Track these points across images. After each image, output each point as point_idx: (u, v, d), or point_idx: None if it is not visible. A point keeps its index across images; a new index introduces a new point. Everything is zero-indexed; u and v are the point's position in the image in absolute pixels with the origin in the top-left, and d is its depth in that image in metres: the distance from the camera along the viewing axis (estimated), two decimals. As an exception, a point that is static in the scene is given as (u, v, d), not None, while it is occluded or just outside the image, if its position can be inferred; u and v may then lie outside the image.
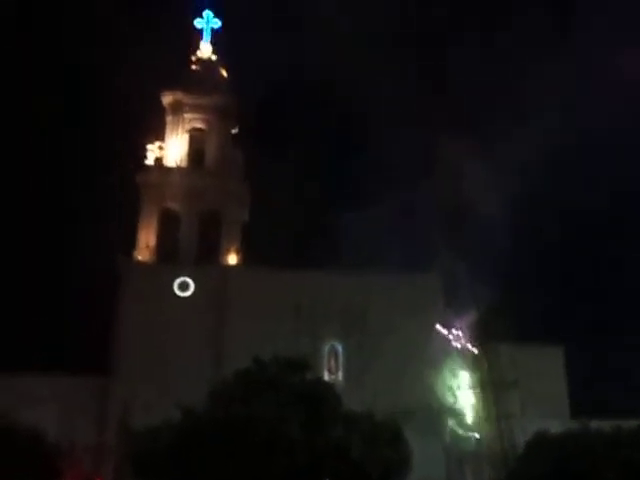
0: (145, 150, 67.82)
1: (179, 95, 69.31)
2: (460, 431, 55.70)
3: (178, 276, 60.92)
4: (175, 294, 60.41)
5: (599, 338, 73.49)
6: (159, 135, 69.16)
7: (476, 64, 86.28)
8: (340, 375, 58.38)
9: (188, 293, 60.69)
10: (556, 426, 40.36)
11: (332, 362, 58.94)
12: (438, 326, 58.86)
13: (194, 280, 60.91)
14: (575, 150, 76.76)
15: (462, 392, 56.04)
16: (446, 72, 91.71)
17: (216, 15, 74.11)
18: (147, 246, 63.36)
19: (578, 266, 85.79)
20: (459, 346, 59.46)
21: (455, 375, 57.76)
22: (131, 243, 63.75)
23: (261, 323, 56.38)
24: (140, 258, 62.88)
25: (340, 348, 59.40)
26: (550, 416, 49.56)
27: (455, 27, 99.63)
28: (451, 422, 55.66)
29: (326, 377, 54.52)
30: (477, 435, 54.43)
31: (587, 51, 75.77)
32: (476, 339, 57.36)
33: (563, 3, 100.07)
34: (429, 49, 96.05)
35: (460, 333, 59.65)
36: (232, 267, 63.43)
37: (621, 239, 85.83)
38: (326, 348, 59.09)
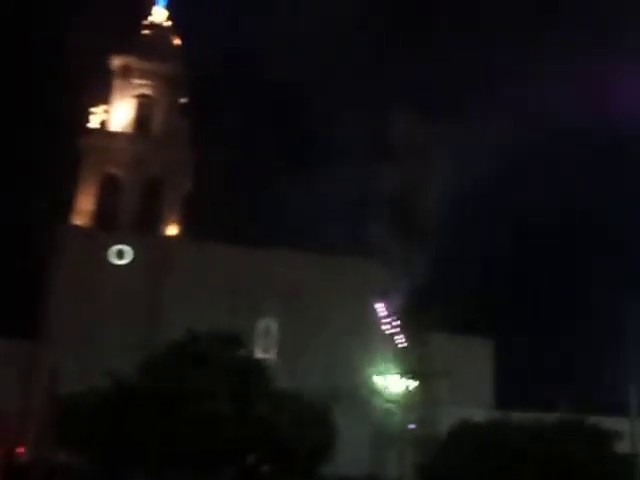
0: (89, 113, 66.12)
1: (128, 60, 67.70)
2: (387, 415, 56.49)
3: (115, 243, 59.81)
4: (111, 262, 59.32)
5: (529, 336, 75.47)
6: (105, 99, 67.47)
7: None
8: (273, 353, 58.47)
9: (125, 261, 59.66)
10: (480, 415, 41.38)
11: (266, 340, 59.00)
12: (375, 310, 59.41)
13: (132, 248, 59.89)
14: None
15: (392, 377, 56.76)
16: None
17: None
18: (85, 212, 61.91)
19: (518, 268, 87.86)
20: (393, 332, 60.15)
21: (387, 360, 58.45)
22: (69, 207, 62.23)
23: (198, 297, 55.93)
24: (77, 223, 61.44)
25: (275, 326, 59.46)
26: (476, 406, 50.84)
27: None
28: (379, 406, 56.40)
29: (259, 354, 54.50)
30: (404, 420, 55.29)
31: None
32: (410, 327, 58.04)
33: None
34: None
35: (395, 320, 60.31)
36: (172, 238, 62.64)
37: (565, 247, 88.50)
38: (261, 325, 59.08)
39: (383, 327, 60.09)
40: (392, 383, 55.95)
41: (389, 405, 55.77)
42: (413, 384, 53.60)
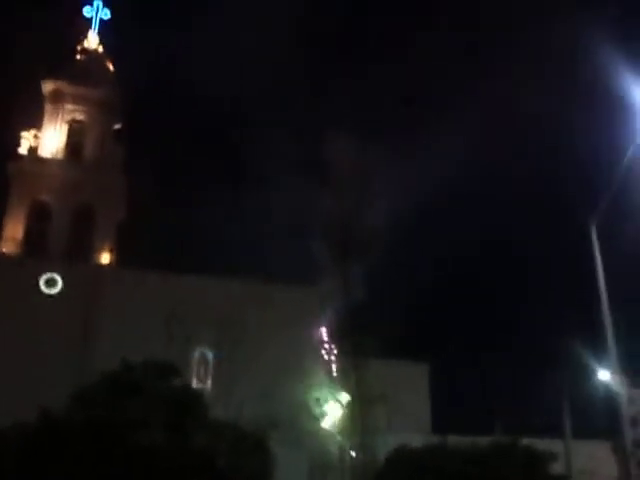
0: (19, 138, 64.60)
1: (60, 84, 66.69)
2: (325, 443, 56.24)
3: (45, 272, 58.19)
4: (41, 291, 57.62)
5: (463, 359, 76.75)
6: (36, 124, 66.10)
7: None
8: (209, 383, 57.63)
9: (55, 290, 58.04)
10: (418, 440, 41.56)
11: (202, 369, 58.10)
12: (312, 336, 59.34)
13: (63, 277, 58.34)
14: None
15: (330, 405, 56.60)
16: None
17: (105, 5, 72.06)
18: (13, 238, 60.16)
19: (451, 291, 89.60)
20: (330, 359, 60.14)
21: (324, 388, 58.32)
22: (-5, 235, 60.37)
23: (132, 326, 54.74)
24: (4, 251, 59.57)
25: (211, 355, 58.68)
26: (413, 430, 51.09)
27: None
28: (317, 434, 56.13)
29: (195, 384, 53.62)
30: (341, 448, 55.12)
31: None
32: (346, 354, 58.11)
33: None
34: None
35: (331, 347, 60.35)
36: (104, 266, 61.31)
37: (496, 271, 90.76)
38: (196, 355, 58.19)
39: (321, 353, 60.10)
40: (330, 409, 55.85)
41: (327, 432, 55.57)
42: (350, 410, 53.56)
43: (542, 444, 40.32)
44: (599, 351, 35.82)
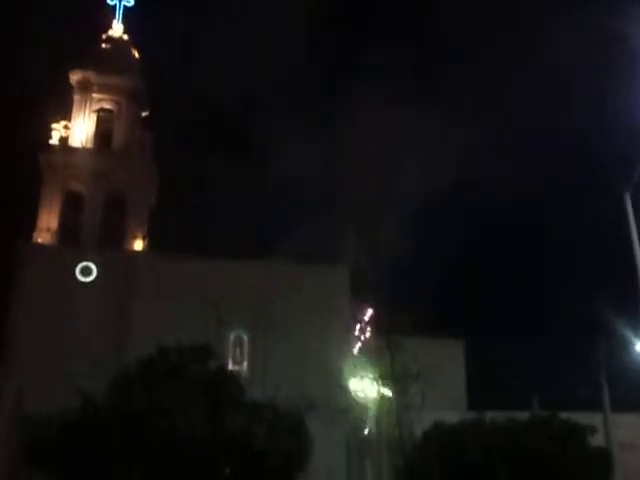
0: (50, 129, 65.31)
1: (88, 74, 66.97)
2: (361, 421, 56.51)
3: (81, 261, 58.96)
4: (77, 279, 58.49)
5: (499, 334, 76.11)
6: (65, 114, 66.72)
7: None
8: (245, 365, 58.09)
9: (91, 278, 58.85)
10: (454, 417, 41.56)
11: (237, 351, 58.60)
12: (345, 318, 59.47)
13: (97, 265, 59.10)
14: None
15: (365, 383, 56.77)
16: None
17: (130, -8, 72.02)
18: (48, 229, 60.99)
19: (486, 265, 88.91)
20: (363, 338, 60.26)
21: (360, 366, 58.48)
22: (31, 226, 61.26)
23: (167, 311, 55.34)
24: (40, 241, 60.51)
25: (246, 337, 59.11)
26: (449, 408, 51.04)
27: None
28: (353, 412, 56.38)
29: (231, 366, 54.13)
30: (378, 425, 55.34)
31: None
32: (380, 332, 58.13)
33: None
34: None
35: (365, 325, 60.44)
36: (138, 253, 61.96)
37: (532, 244, 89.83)
38: (231, 337, 58.66)
39: (354, 332, 60.21)
40: (366, 389, 56.01)
41: (363, 410, 55.78)
42: (386, 389, 53.67)
43: (581, 417, 40.07)
44: (636, 322, 35.34)
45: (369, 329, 60.22)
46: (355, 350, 59.54)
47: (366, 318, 60.32)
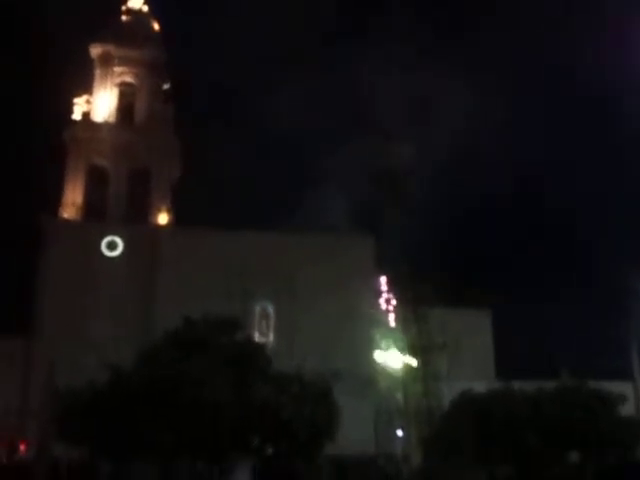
0: (72, 104, 65.24)
1: (109, 47, 66.72)
2: (389, 392, 56.53)
3: (106, 235, 59.28)
4: (103, 253, 58.81)
5: (526, 303, 75.43)
6: (87, 88, 66.58)
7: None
8: (271, 336, 58.22)
9: (116, 252, 59.17)
10: (481, 387, 41.25)
11: (263, 323, 58.71)
12: (370, 288, 59.26)
13: (123, 239, 59.38)
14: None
15: (392, 353, 56.73)
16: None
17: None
18: (73, 204, 61.31)
19: (512, 234, 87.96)
20: (390, 309, 60.08)
21: (386, 337, 58.39)
22: (56, 201, 61.55)
23: (192, 283, 55.53)
24: (66, 216, 60.82)
25: (271, 309, 59.17)
26: (476, 377, 50.75)
27: None
28: (381, 383, 56.40)
29: (257, 338, 54.23)
30: (405, 395, 55.35)
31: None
32: (406, 302, 57.91)
33: None
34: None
35: (391, 296, 60.21)
36: (162, 227, 62.11)
37: (561, 210, 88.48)
38: (257, 309, 58.76)
39: (381, 303, 60.00)
40: (393, 359, 55.96)
41: (390, 380, 55.77)
42: (413, 359, 53.55)
43: (611, 387, 39.52)
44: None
45: (395, 300, 60.02)
46: (381, 321, 59.41)
47: (391, 289, 60.08)
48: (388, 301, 60.56)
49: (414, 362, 55.11)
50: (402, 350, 57.10)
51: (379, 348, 57.73)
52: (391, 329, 59.10)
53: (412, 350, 55.73)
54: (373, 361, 57.06)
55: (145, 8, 71.26)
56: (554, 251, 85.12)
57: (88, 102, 65.70)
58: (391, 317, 60.05)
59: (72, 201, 61.63)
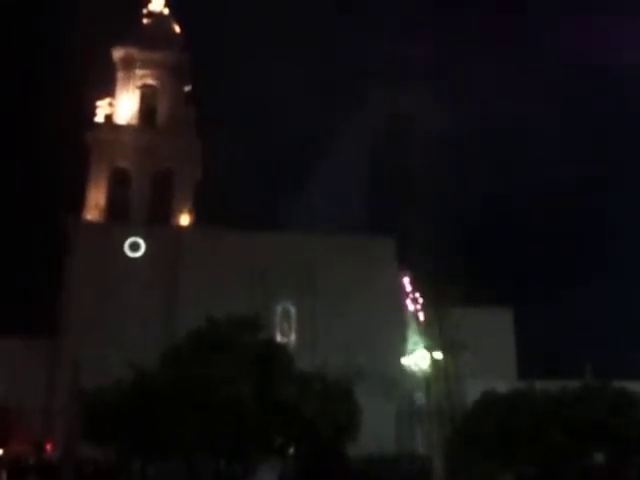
0: (95, 107, 65.94)
1: (131, 50, 67.36)
2: (411, 392, 56.43)
3: (129, 236, 59.86)
4: (126, 254, 59.38)
5: (548, 303, 75.05)
6: (109, 91, 67.27)
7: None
8: (293, 337, 58.40)
9: (139, 253, 59.72)
10: (504, 386, 41.08)
11: (285, 324, 58.91)
12: (393, 289, 59.20)
13: (145, 240, 59.92)
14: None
15: (415, 353, 56.62)
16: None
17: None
18: (97, 206, 62.00)
19: (534, 233, 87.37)
20: (412, 309, 59.98)
21: (407, 337, 58.32)
22: (80, 203, 62.27)
23: (214, 284, 55.90)
24: (89, 218, 61.50)
25: (293, 309, 59.35)
26: (499, 377, 50.51)
27: None
28: (403, 383, 56.32)
29: (279, 338, 54.46)
30: (428, 395, 55.21)
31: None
32: (428, 302, 57.81)
33: None
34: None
35: (413, 296, 60.11)
36: (185, 227, 62.57)
37: (582, 207, 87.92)
38: (279, 309, 58.98)
39: (403, 303, 59.94)
40: (415, 359, 55.85)
41: (412, 380, 55.66)
42: (436, 358, 53.41)
43: (635, 386, 39.19)
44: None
45: (417, 299, 59.92)
46: (404, 320, 59.33)
47: (414, 288, 59.99)
48: (415, 300, 60.43)
49: (437, 362, 54.97)
50: (425, 350, 57.02)
51: (402, 347, 57.67)
52: (415, 329, 59.02)
53: (434, 350, 55.61)
54: (395, 360, 57.00)
55: (166, 11, 71.85)
56: (579, 250, 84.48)
57: (111, 105, 66.38)
58: (413, 317, 59.96)
59: (95, 203, 62.31)
